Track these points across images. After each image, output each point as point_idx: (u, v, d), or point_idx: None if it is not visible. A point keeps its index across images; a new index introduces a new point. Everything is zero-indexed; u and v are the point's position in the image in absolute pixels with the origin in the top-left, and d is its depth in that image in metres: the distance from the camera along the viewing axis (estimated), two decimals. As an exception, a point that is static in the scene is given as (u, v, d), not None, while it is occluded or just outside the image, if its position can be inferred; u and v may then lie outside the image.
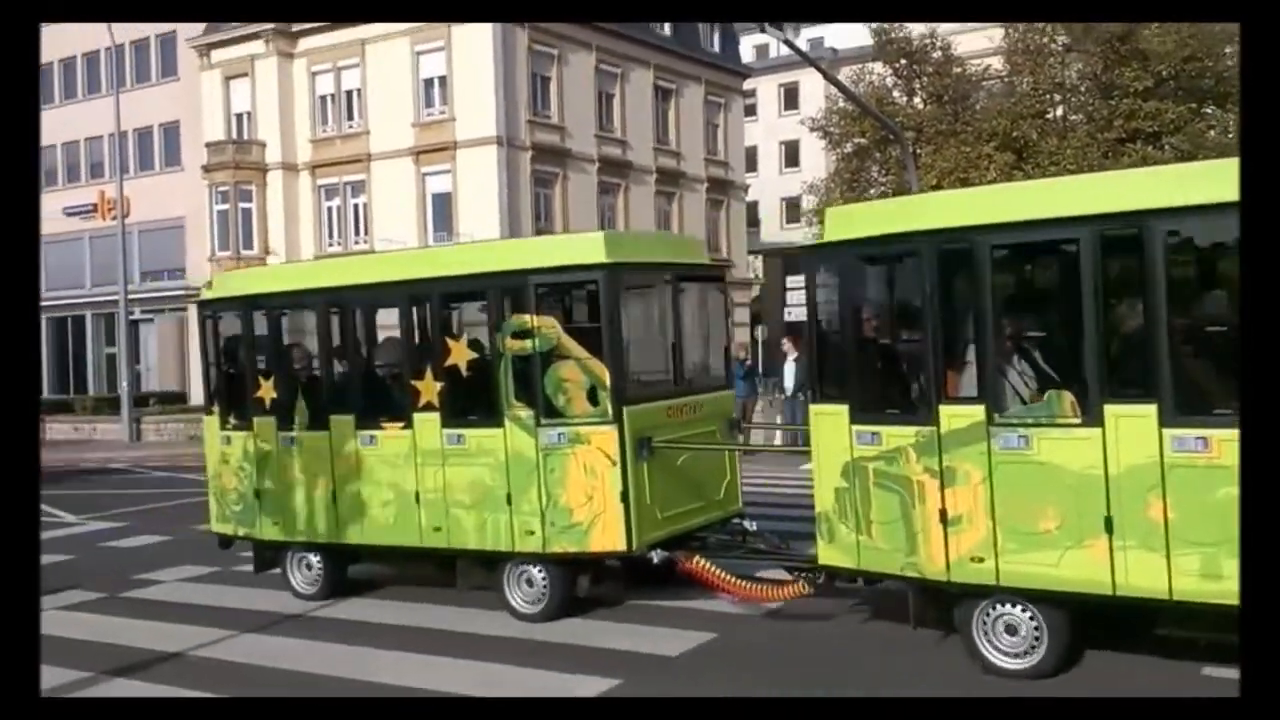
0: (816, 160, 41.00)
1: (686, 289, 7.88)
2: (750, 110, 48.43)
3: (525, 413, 7.05)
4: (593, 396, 6.97)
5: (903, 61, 21.07)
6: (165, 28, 36.30)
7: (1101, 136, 18.70)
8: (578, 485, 6.94)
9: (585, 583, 7.27)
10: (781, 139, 52.06)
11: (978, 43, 23.06)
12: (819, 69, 17.38)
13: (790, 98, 51.91)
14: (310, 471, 8.00)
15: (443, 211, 32.24)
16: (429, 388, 7.41)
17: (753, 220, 48.08)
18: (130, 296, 30.32)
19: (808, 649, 6.49)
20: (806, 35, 52.84)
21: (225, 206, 34.14)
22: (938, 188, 19.22)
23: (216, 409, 8.72)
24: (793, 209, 46.44)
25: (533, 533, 7.06)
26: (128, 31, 34.31)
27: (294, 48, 34.50)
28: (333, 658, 6.70)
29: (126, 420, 27.34)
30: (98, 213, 34.34)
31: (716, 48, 40.97)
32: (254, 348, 8.44)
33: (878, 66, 21.76)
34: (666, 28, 37.99)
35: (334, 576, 8.23)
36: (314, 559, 8.27)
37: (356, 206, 33.98)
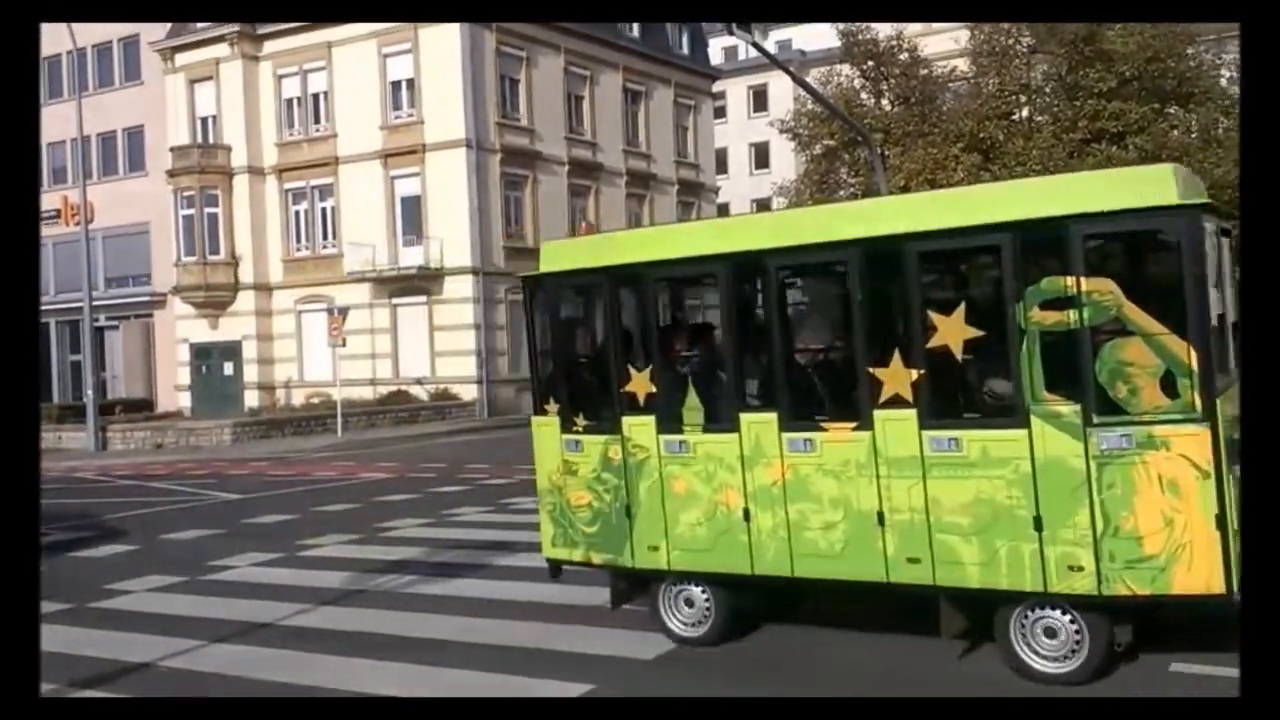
0: (786, 162, 41.20)
1: (1223, 242, 5.84)
2: (720, 112, 48.66)
3: (1066, 408, 5.30)
4: (1168, 386, 5.16)
5: (870, 63, 21.20)
6: (128, 30, 35.92)
7: (1066, 137, 18.90)
8: (1151, 506, 5.16)
9: (1127, 634, 5.46)
10: (751, 141, 52.35)
11: (943, 44, 23.25)
12: (787, 71, 17.44)
13: (759, 99, 52.20)
14: (710, 484, 6.34)
15: (412, 214, 32.11)
16: (899, 376, 5.69)
17: (723, 222, 48.17)
18: (95, 303, 29.94)
19: (784, 652, 6.50)
20: (775, 37, 53.06)
21: (191, 211, 33.81)
22: (905, 189, 19.34)
23: (555, 407, 6.98)
24: (763, 210, 46.68)
25: (1080, 568, 5.29)
26: (89, 34, 33.90)
27: (259, 50, 34.23)
28: (303, 666, 6.63)
29: (92, 428, 26.99)
30: (61, 218, 33.93)
31: (685, 50, 41.10)
32: (620, 330, 6.73)
33: (845, 68, 21.88)
34: (635, 30, 38.06)
35: (727, 614, 6.59)
36: (698, 593, 6.63)
37: (324, 210, 33.76)
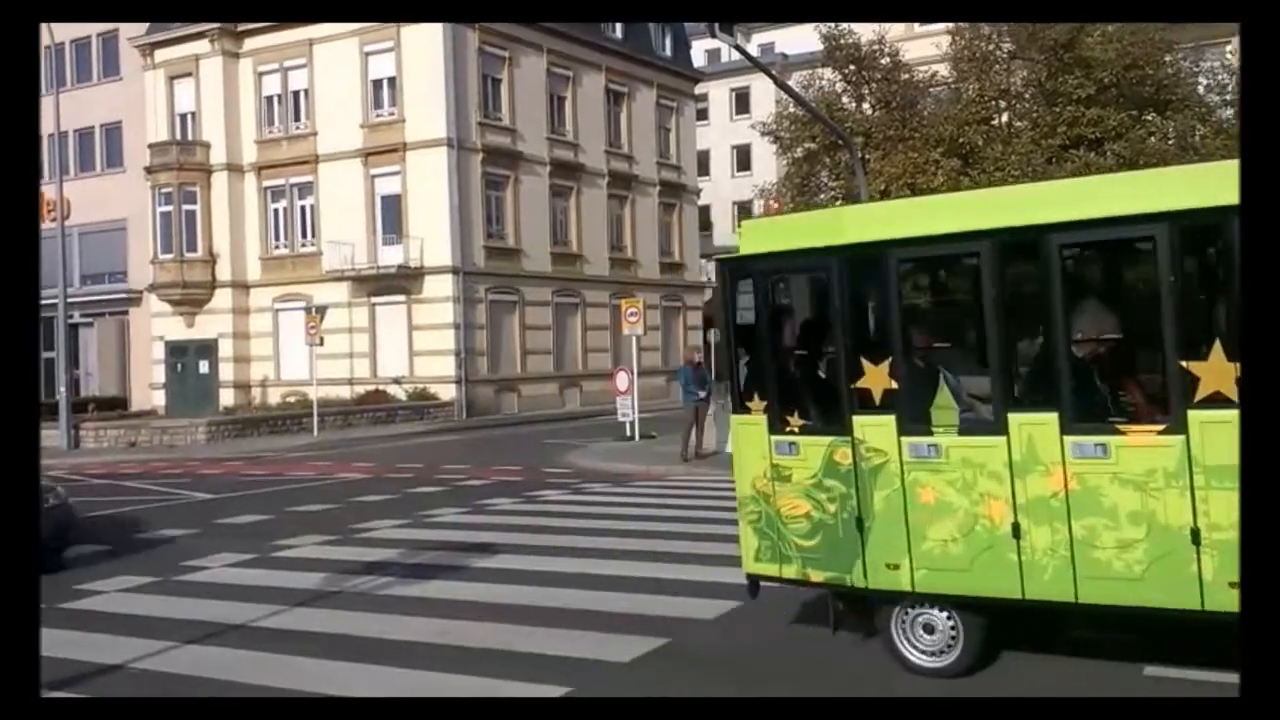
0: (768, 164, 41.29)
1: None
2: (702, 114, 48.73)
3: None
4: None
5: (851, 67, 21.25)
6: (106, 26, 35.58)
7: (1045, 143, 19.02)
8: None
9: None
10: (733, 143, 52.45)
11: (924, 49, 23.36)
12: (769, 74, 17.50)
13: (741, 102, 52.30)
14: (968, 494, 5.48)
15: (392, 213, 31.98)
16: (1221, 371, 4.87)
17: (705, 224, 48.35)
18: (70, 299, 29.61)
19: (765, 654, 6.49)
20: (757, 40, 53.24)
21: (168, 208, 33.55)
22: (886, 193, 19.41)
23: (760, 405, 6.15)
24: (745, 213, 46.78)
25: None
26: (68, 29, 33.58)
27: (239, 47, 34.01)
28: (278, 668, 6.56)
29: (64, 426, 26.68)
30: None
31: (668, 51, 41.14)
32: (851, 318, 5.96)
33: (827, 72, 21.93)
34: (618, 31, 38.07)
35: (977, 642, 5.76)
36: (940, 618, 5.78)
37: (304, 208, 33.58)
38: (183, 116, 34.67)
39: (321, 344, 27.39)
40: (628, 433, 21.96)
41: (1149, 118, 19.23)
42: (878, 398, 5.71)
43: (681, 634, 6.88)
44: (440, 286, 31.26)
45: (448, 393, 31.25)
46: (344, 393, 31.24)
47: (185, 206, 33.49)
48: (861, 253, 5.83)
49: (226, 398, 33.48)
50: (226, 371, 33.90)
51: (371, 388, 31.55)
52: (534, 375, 34.05)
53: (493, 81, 32.92)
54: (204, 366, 34.30)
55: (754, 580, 6.46)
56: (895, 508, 5.71)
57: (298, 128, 33.47)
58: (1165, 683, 5.52)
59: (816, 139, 21.16)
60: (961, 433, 5.67)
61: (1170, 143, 18.58)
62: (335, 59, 32.29)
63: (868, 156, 19.87)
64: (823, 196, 21.87)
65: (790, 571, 6.18)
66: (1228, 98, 19.30)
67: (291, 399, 31.71)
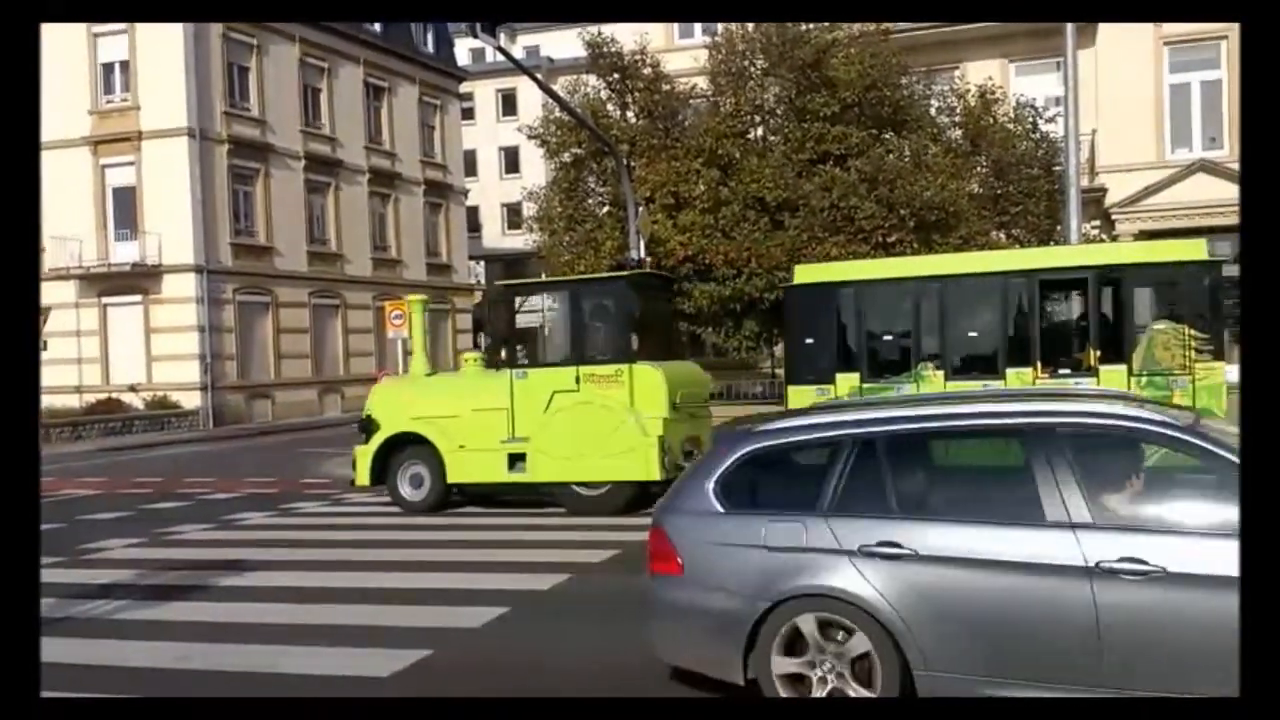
0: (537, 167, 41.27)
1: None
2: (468, 114, 48.09)
3: None
4: None
5: (615, 75, 21.53)
6: None
7: (795, 157, 19.95)
8: None
9: None
10: (501, 144, 52.04)
11: (684, 62, 24.04)
12: (533, 78, 17.44)
13: (509, 103, 52.03)
14: None
15: (126, 207, 29.55)
16: None
17: (474, 226, 47.74)
18: None
19: (533, 662, 6.39)
20: (522, 43, 53.21)
21: None
22: (651, 200, 19.81)
23: None
24: (514, 215, 46.51)
25: None
26: None
27: (-59, 15, 30.26)
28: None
29: None
30: None
31: (430, 48, 40.33)
32: None
33: (592, 78, 22.12)
34: (376, 24, 36.91)
35: None
36: None
37: (22, 198, 30.31)
38: None
39: (44, 349, 24.80)
40: (391, 439, 21.22)
41: (887, 136, 20.58)
42: None
43: (445, 644, 6.67)
44: (181, 286, 29.13)
45: (191, 400, 29.15)
46: (72, 402, 28.50)
47: (-127, 192, 29.45)
48: None
49: (-74, 409, 29.68)
50: (-74, 379, 30.07)
51: (104, 396, 28.95)
52: (289, 380, 32.37)
53: (239, 69, 31.04)
54: (-103, 374, 30.27)
55: None
56: None
57: (14, 109, 30.20)
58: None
59: (583, 145, 21.26)
60: None
61: (905, 160, 19.95)
62: (59, 39, 29.32)
63: (633, 164, 20.18)
64: (590, 201, 22.03)
65: None
66: (956, 119, 20.97)
67: (7, 409, 28.56)
